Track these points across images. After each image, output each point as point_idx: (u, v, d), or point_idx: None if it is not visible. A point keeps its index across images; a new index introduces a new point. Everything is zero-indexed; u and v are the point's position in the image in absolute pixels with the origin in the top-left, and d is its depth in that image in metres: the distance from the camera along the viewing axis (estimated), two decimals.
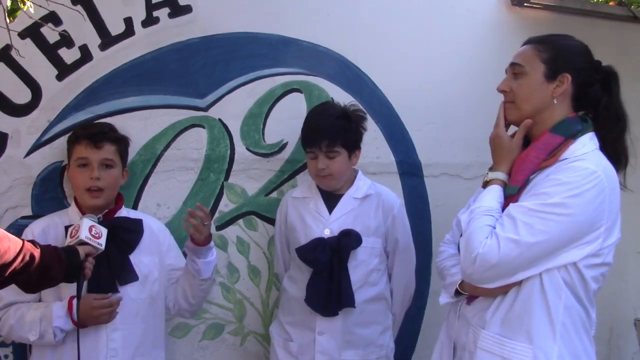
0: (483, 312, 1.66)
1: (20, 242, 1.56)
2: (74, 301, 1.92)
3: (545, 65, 1.68)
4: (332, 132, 2.18)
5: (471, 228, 1.61)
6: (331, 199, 2.27)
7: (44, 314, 1.93)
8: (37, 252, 1.58)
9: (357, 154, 2.28)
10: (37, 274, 1.58)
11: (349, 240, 2.18)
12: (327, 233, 2.21)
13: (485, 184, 1.73)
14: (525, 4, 2.85)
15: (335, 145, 2.18)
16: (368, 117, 2.59)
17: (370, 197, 2.28)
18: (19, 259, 1.53)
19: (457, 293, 1.77)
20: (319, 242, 2.19)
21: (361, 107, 2.40)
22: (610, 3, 3.36)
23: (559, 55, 1.68)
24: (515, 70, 1.72)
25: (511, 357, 1.57)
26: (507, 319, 1.61)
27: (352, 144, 2.24)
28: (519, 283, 1.59)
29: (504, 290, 1.61)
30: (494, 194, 1.67)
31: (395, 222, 2.30)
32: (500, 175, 1.70)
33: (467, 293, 1.73)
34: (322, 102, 2.43)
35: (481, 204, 1.65)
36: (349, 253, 2.18)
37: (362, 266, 2.22)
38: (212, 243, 2.13)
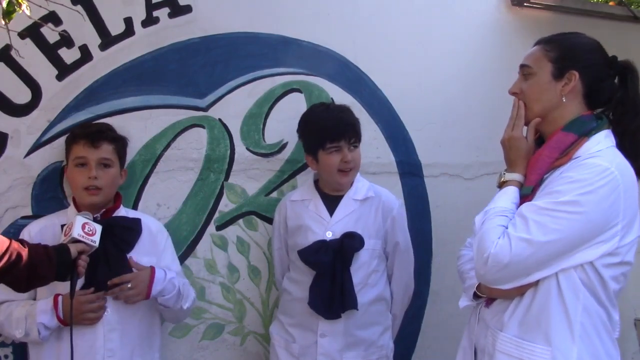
0: (501, 314, 1.64)
1: (7, 241, 1.57)
2: (60, 297, 1.93)
3: (552, 64, 1.67)
4: (354, 123, 2.23)
5: (484, 228, 1.59)
6: (331, 201, 2.26)
7: (30, 311, 1.93)
8: (24, 251, 1.59)
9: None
10: (25, 272, 1.59)
11: (352, 242, 2.17)
12: (329, 235, 2.20)
13: (501, 185, 1.72)
14: (525, 4, 2.85)
15: (357, 136, 2.23)
16: (368, 117, 2.60)
17: (370, 199, 2.27)
18: (5, 258, 1.54)
19: (476, 296, 1.75)
20: (322, 244, 2.18)
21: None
22: (610, 3, 3.36)
23: (567, 53, 1.67)
24: (524, 71, 1.72)
25: (529, 359, 1.56)
26: (524, 320, 1.59)
27: (361, 139, 2.28)
28: (535, 284, 1.56)
29: (520, 291, 1.59)
30: (510, 195, 1.65)
31: (395, 223, 2.30)
32: (517, 176, 1.69)
33: (485, 295, 1.72)
34: (320, 102, 2.42)
35: (496, 205, 1.64)
36: (352, 255, 2.18)
37: (363, 268, 2.21)
38: (159, 290, 2.02)
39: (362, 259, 2.21)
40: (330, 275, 2.15)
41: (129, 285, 1.98)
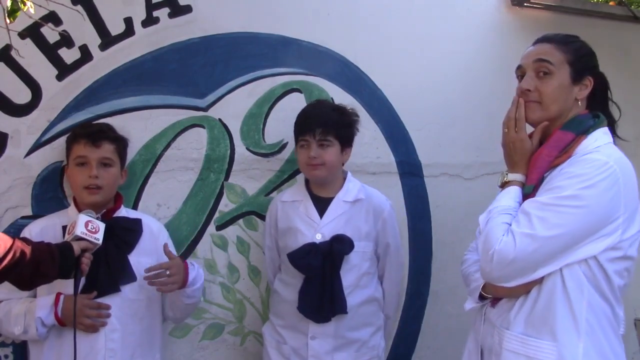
0: (507, 312, 1.65)
1: (11, 239, 1.58)
2: (62, 296, 1.93)
3: (570, 67, 1.67)
4: (326, 120, 2.18)
5: (488, 227, 1.61)
6: (321, 203, 2.25)
7: (29, 307, 1.93)
8: (27, 249, 1.60)
9: (348, 152, 2.27)
10: (29, 270, 1.60)
11: (341, 245, 2.16)
12: (318, 238, 2.18)
13: (503, 185, 1.73)
14: (525, 4, 2.85)
15: (328, 134, 2.17)
16: (368, 117, 2.60)
17: (361, 201, 2.25)
18: (9, 256, 1.55)
19: (482, 298, 1.76)
20: (311, 247, 2.16)
21: (356, 111, 2.36)
22: (610, 3, 3.36)
23: (582, 57, 1.69)
24: (542, 67, 1.67)
25: (536, 356, 1.56)
26: (530, 317, 1.60)
27: (345, 138, 2.23)
28: (540, 281, 1.58)
29: (526, 289, 1.60)
30: (513, 194, 1.67)
31: (386, 225, 2.29)
32: (519, 176, 1.70)
33: (490, 295, 1.73)
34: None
35: (499, 204, 1.65)
36: (342, 259, 2.16)
37: (353, 270, 2.20)
38: (192, 278, 2.09)
39: (352, 262, 2.19)
40: (319, 279, 2.14)
41: (168, 273, 2.00)
